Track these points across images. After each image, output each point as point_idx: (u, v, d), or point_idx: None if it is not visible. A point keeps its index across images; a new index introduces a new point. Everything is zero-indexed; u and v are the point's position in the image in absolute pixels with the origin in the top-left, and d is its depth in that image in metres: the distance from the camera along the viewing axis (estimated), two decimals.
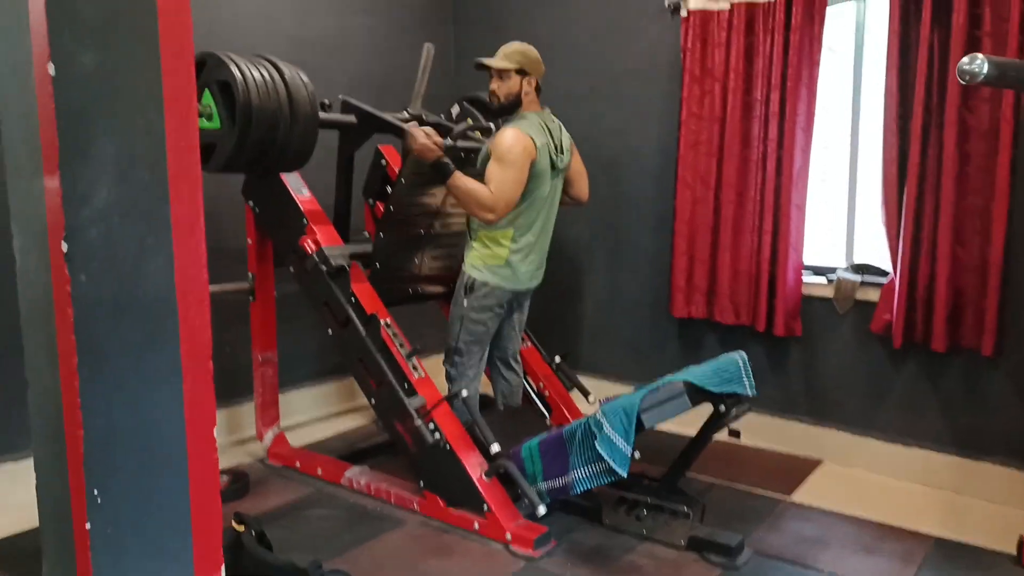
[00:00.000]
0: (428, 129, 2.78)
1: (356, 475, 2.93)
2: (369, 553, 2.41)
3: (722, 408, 2.41)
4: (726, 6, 3.41)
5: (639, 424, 2.24)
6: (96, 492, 1.51)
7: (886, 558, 2.42)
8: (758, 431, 3.48)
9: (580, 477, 2.37)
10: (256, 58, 2.63)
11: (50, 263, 1.37)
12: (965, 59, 1.23)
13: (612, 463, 2.24)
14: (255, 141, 2.54)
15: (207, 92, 2.57)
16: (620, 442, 2.24)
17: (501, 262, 2.86)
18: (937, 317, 2.92)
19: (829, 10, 3.21)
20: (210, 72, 2.54)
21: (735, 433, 3.54)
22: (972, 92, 2.82)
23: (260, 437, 3.25)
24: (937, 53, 2.89)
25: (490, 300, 2.88)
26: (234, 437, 3.46)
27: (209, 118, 2.57)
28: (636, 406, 2.25)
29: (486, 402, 3.08)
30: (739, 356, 2.53)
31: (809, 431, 3.36)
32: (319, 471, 3.04)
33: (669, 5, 3.64)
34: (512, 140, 2.73)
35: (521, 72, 2.86)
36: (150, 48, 1.43)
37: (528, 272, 2.94)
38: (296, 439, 3.39)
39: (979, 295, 2.86)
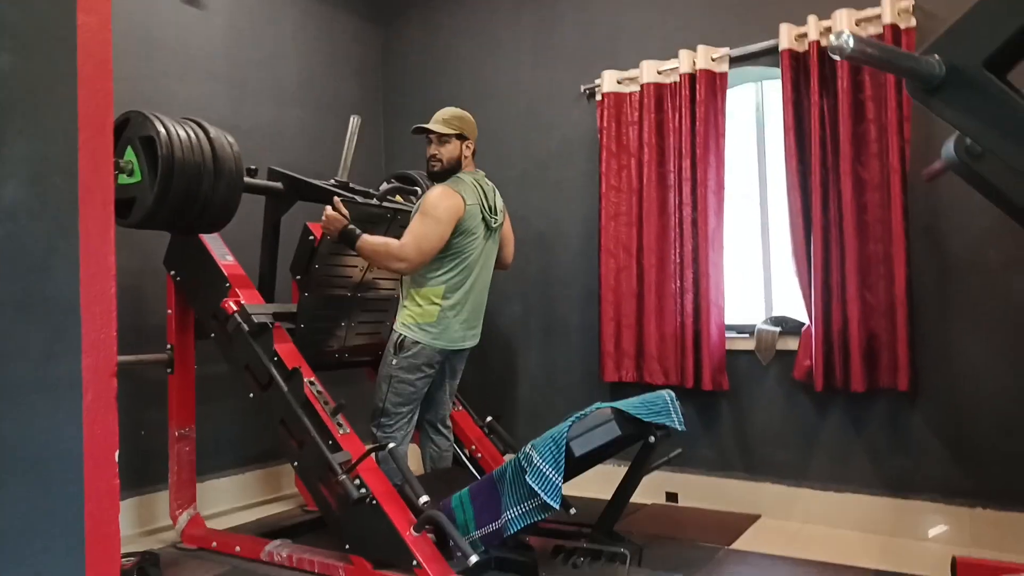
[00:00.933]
0: (338, 202, 2.86)
1: (276, 548, 2.75)
2: None
3: (651, 439, 2.39)
4: (636, 88, 3.68)
5: (569, 452, 2.20)
6: None
7: None
8: (695, 492, 3.45)
9: (513, 516, 2.28)
10: (182, 119, 2.67)
11: None
12: (832, 36, 1.36)
13: (544, 496, 2.17)
14: (176, 195, 2.54)
15: (129, 148, 2.58)
16: (551, 472, 2.18)
17: (432, 319, 2.86)
18: (854, 359, 3.02)
19: (731, 92, 3.50)
20: (134, 128, 2.57)
21: (672, 496, 3.50)
22: (863, 148, 3.07)
23: (174, 520, 3.03)
24: (828, 116, 3.15)
25: (420, 359, 2.85)
26: (146, 527, 3.22)
27: (130, 174, 2.57)
28: (564, 434, 2.22)
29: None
30: (667, 393, 2.55)
31: (745, 487, 3.34)
32: (237, 548, 2.84)
33: (585, 91, 3.90)
34: (439, 195, 2.82)
35: (460, 136, 2.97)
36: (68, 57, 1.46)
37: (460, 331, 2.94)
38: (215, 526, 3.17)
39: (890, 335, 2.99)
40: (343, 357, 3.25)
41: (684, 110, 3.50)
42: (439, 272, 2.84)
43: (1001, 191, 2.31)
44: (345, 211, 2.82)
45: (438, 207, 2.78)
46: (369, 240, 2.78)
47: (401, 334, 2.86)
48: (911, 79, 1.51)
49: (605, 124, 3.73)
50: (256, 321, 2.76)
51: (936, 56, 1.49)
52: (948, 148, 2.33)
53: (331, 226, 2.81)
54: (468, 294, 2.93)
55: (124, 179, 2.59)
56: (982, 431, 2.86)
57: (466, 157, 3.00)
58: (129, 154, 2.59)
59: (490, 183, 3.09)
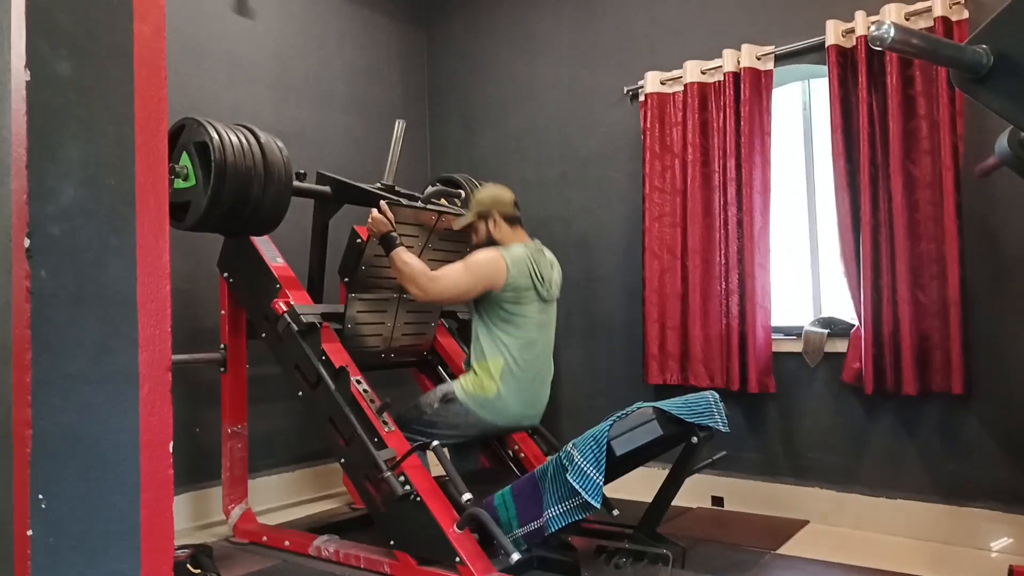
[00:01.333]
0: (384, 206, 2.89)
1: (324, 543, 2.81)
2: None
3: (694, 440, 2.37)
4: (679, 88, 3.66)
5: (610, 451, 2.20)
6: (41, 497, 1.46)
7: None
8: (741, 496, 3.41)
9: (554, 515, 2.29)
10: (234, 125, 2.76)
11: (11, 257, 1.40)
12: (873, 26, 1.34)
13: (585, 494, 2.18)
14: (228, 198, 2.62)
15: (185, 154, 2.68)
16: (592, 471, 2.19)
17: (491, 394, 2.79)
18: (905, 361, 2.95)
19: (777, 91, 3.46)
20: (188, 134, 2.67)
21: (719, 500, 3.47)
22: (913, 145, 3.00)
23: (226, 514, 3.12)
24: (877, 113, 3.09)
25: (459, 420, 2.83)
26: (200, 522, 3.32)
27: (185, 178, 2.67)
28: (606, 433, 2.23)
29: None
30: (711, 394, 2.53)
31: (792, 491, 3.29)
32: (286, 543, 2.91)
33: (628, 92, 3.90)
34: (486, 255, 2.83)
35: (481, 216, 2.96)
36: (124, 64, 1.53)
37: (519, 409, 2.86)
38: (266, 521, 3.26)
39: (943, 336, 2.91)
40: (389, 357, 3.30)
41: (729, 110, 3.47)
42: (497, 344, 2.82)
43: None
44: (391, 215, 2.88)
45: (478, 262, 2.80)
46: (404, 254, 2.81)
47: (454, 390, 2.84)
48: (957, 69, 1.48)
49: (648, 125, 3.72)
50: (305, 321, 2.83)
51: (983, 45, 1.46)
52: (1002, 142, 2.27)
53: (376, 227, 2.87)
54: (528, 370, 2.85)
55: (179, 183, 2.69)
56: None
57: (499, 228, 2.95)
58: (184, 159, 2.69)
59: (548, 255, 3.05)
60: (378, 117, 4.37)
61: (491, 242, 2.94)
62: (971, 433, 2.90)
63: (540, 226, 4.17)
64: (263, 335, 3.01)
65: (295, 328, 2.83)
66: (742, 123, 3.42)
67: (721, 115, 3.51)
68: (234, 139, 2.66)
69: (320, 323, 2.87)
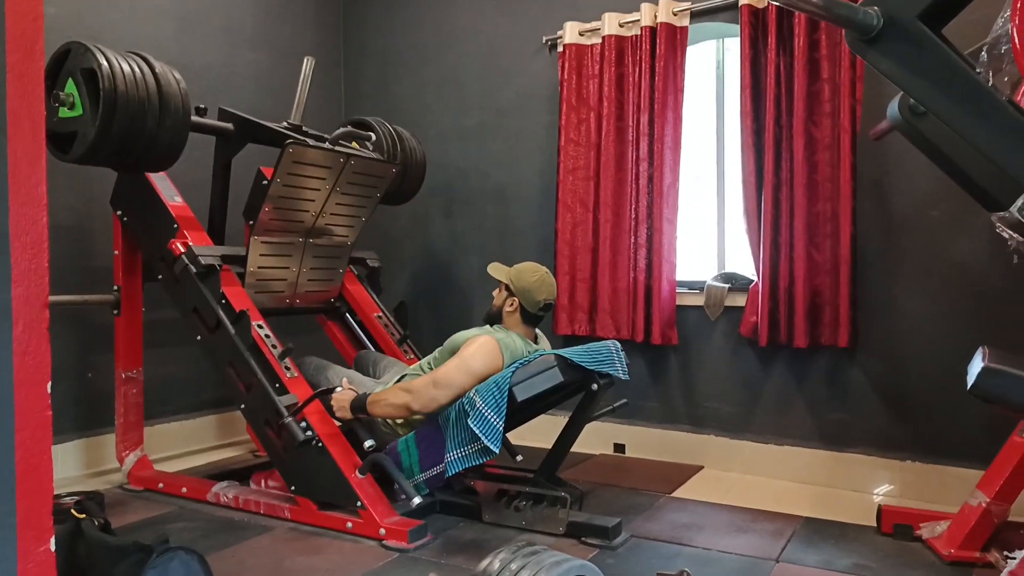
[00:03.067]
0: (339, 397, 2.65)
1: (223, 489, 2.76)
2: (232, 556, 2.25)
3: (594, 387, 2.43)
4: (598, 40, 3.65)
5: (511, 397, 2.24)
6: None
7: (757, 535, 2.47)
8: (642, 443, 3.53)
9: (454, 459, 2.32)
10: (126, 52, 2.59)
11: None
12: None
13: (485, 439, 2.21)
14: (120, 131, 2.46)
15: (70, 80, 2.50)
16: (492, 416, 2.22)
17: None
18: (798, 316, 3.10)
19: (692, 49, 3.49)
20: (75, 60, 2.48)
21: (620, 447, 3.58)
22: (816, 107, 3.10)
23: (120, 461, 3.03)
24: (784, 74, 3.17)
25: None
26: (94, 469, 3.21)
27: (71, 107, 2.50)
28: (507, 379, 2.25)
29: None
30: (612, 343, 2.58)
31: (690, 439, 3.43)
32: (184, 490, 2.85)
33: (547, 42, 3.87)
34: (481, 349, 2.52)
35: (508, 290, 2.74)
36: None
37: None
38: (164, 469, 3.17)
39: (833, 293, 3.06)
40: (294, 303, 3.23)
41: (644, 64, 3.49)
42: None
43: (941, 150, 2.36)
44: (347, 395, 2.64)
45: (474, 359, 2.48)
46: (377, 400, 2.54)
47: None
48: (849, 28, 1.53)
49: (566, 76, 3.71)
50: (204, 263, 2.73)
51: (874, 7, 1.51)
52: (893, 107, 2.37)
53: (343, 412, 2.61)
54: None
55: (65, 112, 2.51)
56: (917, 387, 2.97)
57: (508, 313, 2.73)
58: (70, 87, 2.51)
59: (542, 343, 2.84)
60: (289, 56, 4.18)
61: (496, 314, 2.76)
62: (855, 384, 3.09)
63: (458, 177, 4.13)
64: (159, 277, 2.89)
65: (193, 270, 2.73)
66: (657, 79, 3.45)
67: (637, 70, 3.53)
68: (126, 67, 2.49)
69: (220, 265, 2.78)
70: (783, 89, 3.17)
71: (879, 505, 2.52)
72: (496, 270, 2.81)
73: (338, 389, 2.66)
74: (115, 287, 3.03)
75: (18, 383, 1.55)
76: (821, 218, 3.09)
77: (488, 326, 2.74)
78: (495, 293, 2.81)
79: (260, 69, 4.06)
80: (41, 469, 1.59)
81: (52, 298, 2.96)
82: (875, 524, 2.51)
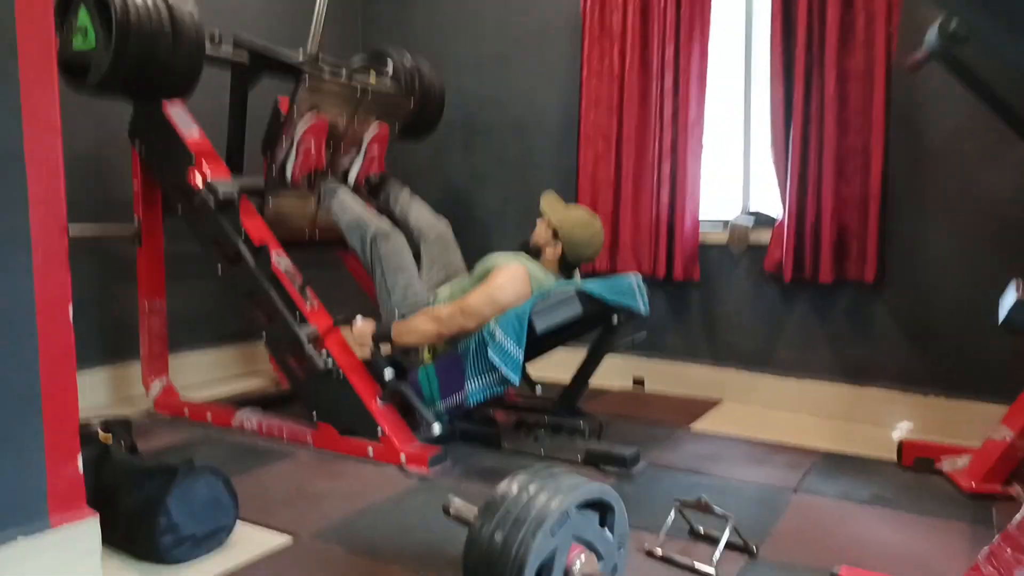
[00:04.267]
0: (358, 332, 2.61)
1: (247, 415, 2.80)
2: (255, 479, 2.28)
3: (615, 320, 2.40)
4: None
5: (531, 328, 2.21)
6: None
7: (776, 467, 2.46)
8: (661, 377, 3.52)
9: (474, 388, 2.32)
10: None
11: None
12: None
13: (505, 369, 2.19)
14: (133, 59, 2.40)
15: (83, 10, 2.44)
16: (512, 347, 2.20)
17: None
18: (824, 251, 3.03)
19: None
20: None
21: (639, 381, 3.58)
22: (850, 37, 2.96)
23: (146, 388, 3.07)
24: (816, 2, 3.02)
25: None
26: (120, 395, 3.26)
27: (85, 37, 2.44)
28: (527, 311, 2.23)
29: None
30: (634, 276, 2.54)
31: (710, 373, 3.41)
32: (208, 416, 2.89)
33: None
34: (512, 276, 2.46)
35: (554, 231, 2.61)
36: None
37: None
38: (189, 397, 3.22)
39: (861, 228, 2.98)
40: (313, 236, 3.21)
41: None
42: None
43: (980, 78, 2.25)
44: (364, 328, 2.59)
45: (504, 288, 2.42)
46: (406, 328, 2.50)
47: None
48: None
49: (589, 6, 3.58)
50: (223, 195, 2.70)
51: None
52: (931, 34, 2.26)
53: (363, 345, 2.57)
54: None
55: (79, 43, 2.46)
56: (942, 322, 2.91)
57: (548, 257, 2.61)
58: (83, 17, 2.45)
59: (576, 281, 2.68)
60: None
61: (535, 249, 2.66)
62: (879, 319, 3.03)
63: (477, 109, 4.04)
64: (179, 209, 2.87)
65: (212, 202, 2.71)
66: (683, 8, 3.32)
67: None
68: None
69: (238, 197, 2.75)
70: (815, 17, 3.03)
71: (900, 439, 2.50)
72: (551, 206, 2.67)
73: (358, 321, 2.64)
74: (136, 218, 3.03)
75: (40, 307, 1.55)
76: (851, 152, 2.99)
77: (523, 254, 2.66)
78: (540, 225, 2.67)
79: None
80: (66, 391, 1.61)
81: (72, 228, 2.95)
82: (895, 458, 2.49)
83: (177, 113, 2.88)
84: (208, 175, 2.74)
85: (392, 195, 3.24)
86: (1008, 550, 1.39)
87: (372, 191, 3.30)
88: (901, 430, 2.90)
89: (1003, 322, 1.91)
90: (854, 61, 2.97)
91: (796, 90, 3.06)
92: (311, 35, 3.08)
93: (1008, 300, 1.93)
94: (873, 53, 2.92)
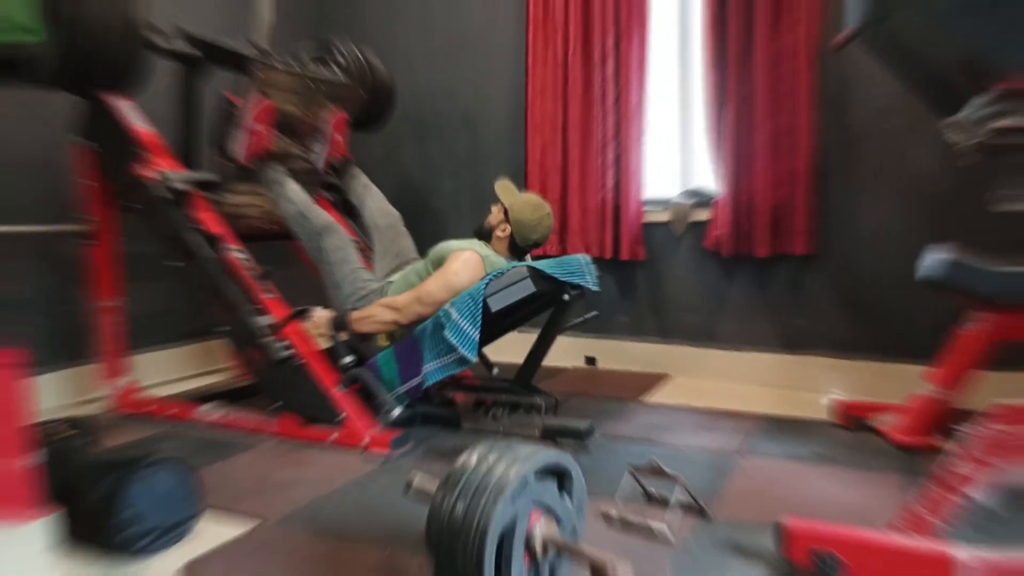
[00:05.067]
0: (314, 322, 2.59)
1: (210, 409, 2.74)
2: (221, 470, 2.23)
3: (566, 298, 2.41)
4: None
5: (486, 308, 2.21)
6: None
7: (723, 432, 2.51)
8: (612, 356, 3.56)
9: (432, 369, 2.30)
10: None
11: None
12: None
13: (461, 349, 2.19)
14: (68, 50, 2.28)
15: None
16: (468, 327, 2.20)
17: None
18: (759, 226, 3.09)
19: None
20: None
21: (591, 360, 3.61)
22: (778, 22, 3.01)
23: (106, 387, 2.98)
24: None
25: None
26: (81, 397, 3.15)
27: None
28: (481, 291, 2.22)
29: None
30: (582, 256, 2.55)
31: (658, 349, 3.46)
32: (171, 412, 2.82)
33: None
34: (464, 263, 2.48)
35: (505, 213, 2.66)
36: None
37: None
38: (151, 395, 3.13)
39: (794, 203, 3.05)
40: (270, 228, 3.15)
41: None
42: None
43: (905, 53, 2.31)
44: (320, 318, 2.59)
45: (458, 275, 2.45)
46: (361, 316, 2.52)
47: None
48: None
49: None
50: (175, 188, 2.63)
51: None
52: (855, 13, 2.30)
53: (319, 327, 2.56)
54: None
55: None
56: (873, 290, 3.00)
57: (499, 238, 2.67)
58: None
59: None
60: None
61: (486, 232, 2.69)
62: (814, 291, 3.11)
63: (429, 101, 4.00)
64: (132, 205, 2.78)
65: (165, 196, 2.63)
66: None
67: None
68: None
69: (192, 190, 2.68)
70: (745, 4, 3.08)
71: (832, 400, 2.57)
72: (503, 190, 2.70)
73: (316, 311, 2.61)
74: (88, 217, 2.93)
75: None
76: (783, 130, 3.05)
77: (476, 240, 2.68)
78: (494, 209, 2.71)
79: None
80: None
81: (26, 228, 2.84)
82: (831, 419, 2.56)
83: (126, 107, 2.79)
84: (162, 169, 2.65)
85: (351, 182, 3.21)
86: (935, 491, 1.45)
87: (337, 175, 3.26)
88: (835, 392, 2.99)
89: (922, 277, 2.00)
90: (782, 44, 3.03)
91: (730, 74, 3.11)
92: (261, 26, 3.01)
93: (930, 259, 2.01)
94: (802, 35, 2.98)
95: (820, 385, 3.06)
